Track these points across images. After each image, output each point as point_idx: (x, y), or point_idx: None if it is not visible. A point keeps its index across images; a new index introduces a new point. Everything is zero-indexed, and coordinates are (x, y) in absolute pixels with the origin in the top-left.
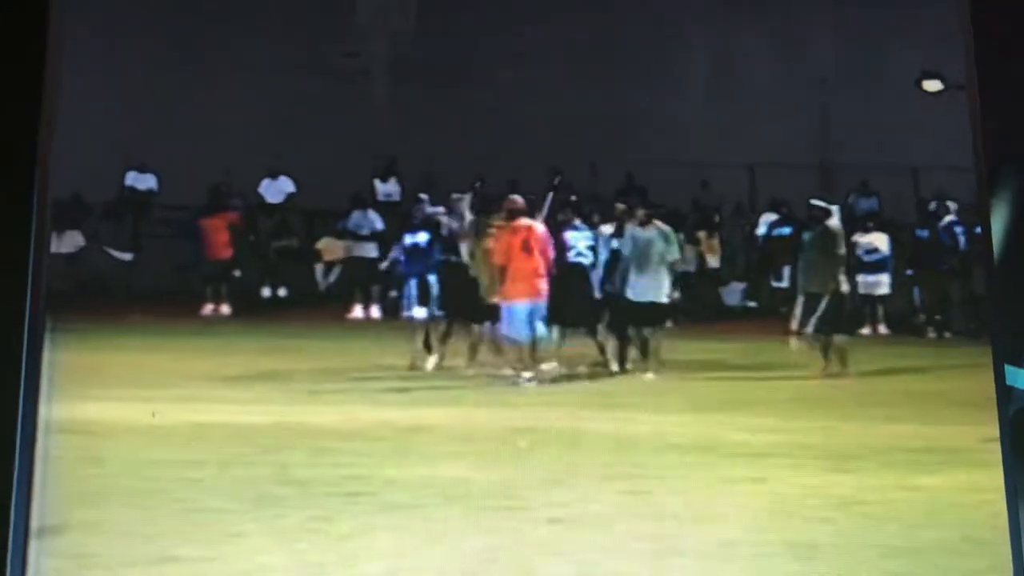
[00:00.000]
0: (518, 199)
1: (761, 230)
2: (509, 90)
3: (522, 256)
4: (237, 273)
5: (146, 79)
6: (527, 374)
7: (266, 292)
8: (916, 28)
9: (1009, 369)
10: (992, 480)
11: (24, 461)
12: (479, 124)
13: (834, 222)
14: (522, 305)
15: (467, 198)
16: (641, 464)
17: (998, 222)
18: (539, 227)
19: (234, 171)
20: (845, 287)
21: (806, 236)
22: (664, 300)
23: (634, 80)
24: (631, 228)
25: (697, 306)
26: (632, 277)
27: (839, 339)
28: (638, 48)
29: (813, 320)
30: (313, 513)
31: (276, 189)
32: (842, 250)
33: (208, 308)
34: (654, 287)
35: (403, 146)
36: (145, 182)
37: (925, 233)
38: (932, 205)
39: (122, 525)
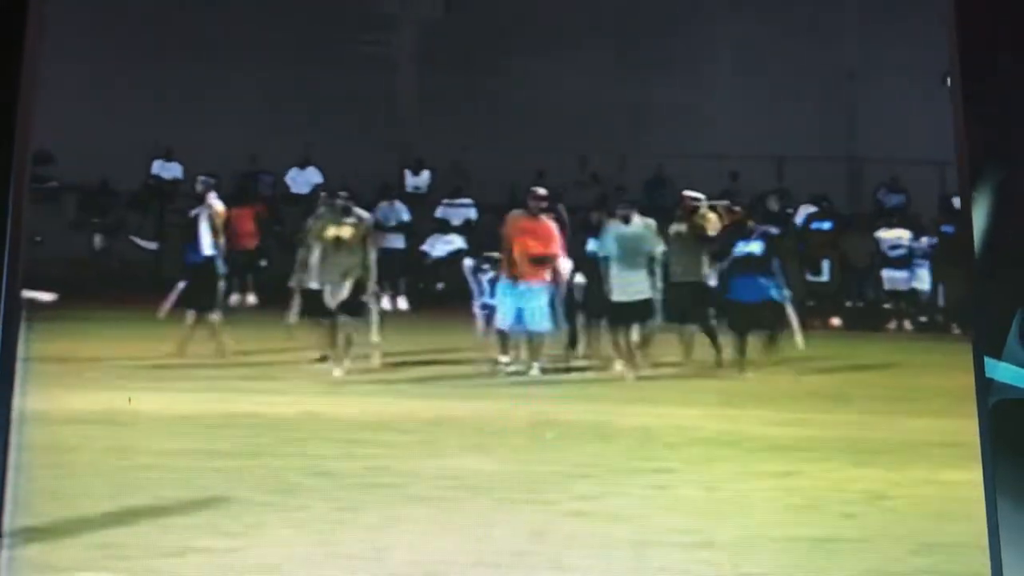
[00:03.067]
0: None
1: (798, 222)
2: (537, 81)
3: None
4: (263, 263)
5: (174, 69)
6: (504, 359)
7: (292, 283)
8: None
9: (989, 361)
10: None
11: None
12: (508, 114)
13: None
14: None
15: None
16: (664, 457)
17: (980, 216)
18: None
19: (260, 161)
20: (711, 278)
21: (673, 228)
22: (649, 296)
23: (662, 71)
24: (614, 225)
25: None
26: (615, 274)
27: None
28: (666, 39)
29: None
30: (339, 504)
31: (303, 179)
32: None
33: (234, 298)
34: (638, 283)
35: (430, 136)
36: (171, 171)
37: (950, 229)
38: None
39: (142, 515)
